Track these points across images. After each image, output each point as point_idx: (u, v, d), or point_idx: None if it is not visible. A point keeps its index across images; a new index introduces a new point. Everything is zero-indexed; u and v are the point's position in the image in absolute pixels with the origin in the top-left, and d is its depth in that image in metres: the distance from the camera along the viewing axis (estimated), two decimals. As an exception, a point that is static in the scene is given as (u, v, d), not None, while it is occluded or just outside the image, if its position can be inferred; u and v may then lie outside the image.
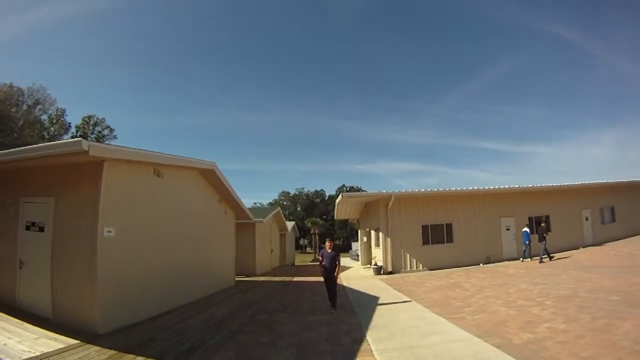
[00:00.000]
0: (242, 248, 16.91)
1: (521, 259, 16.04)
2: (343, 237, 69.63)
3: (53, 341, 5.23)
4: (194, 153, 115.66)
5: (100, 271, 6.03)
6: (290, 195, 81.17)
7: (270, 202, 76.27)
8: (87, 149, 5.15)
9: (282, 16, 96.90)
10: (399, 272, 15.65)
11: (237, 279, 15.04)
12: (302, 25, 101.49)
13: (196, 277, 10.25)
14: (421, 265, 16.16)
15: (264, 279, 17.66)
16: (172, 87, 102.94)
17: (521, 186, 18.61)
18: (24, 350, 4.72)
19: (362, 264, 21.64)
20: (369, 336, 5.80)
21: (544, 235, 15.09)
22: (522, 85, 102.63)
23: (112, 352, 5.01)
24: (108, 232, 6.24)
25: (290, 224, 33.51)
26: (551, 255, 15.02)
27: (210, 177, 11.44)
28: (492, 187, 17.99)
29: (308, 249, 69.67)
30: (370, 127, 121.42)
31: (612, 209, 21.16)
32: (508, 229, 17.93)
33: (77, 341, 5.32)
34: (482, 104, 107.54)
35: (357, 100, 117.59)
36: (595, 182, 20.97)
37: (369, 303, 8.91)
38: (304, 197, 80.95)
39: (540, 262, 14.54)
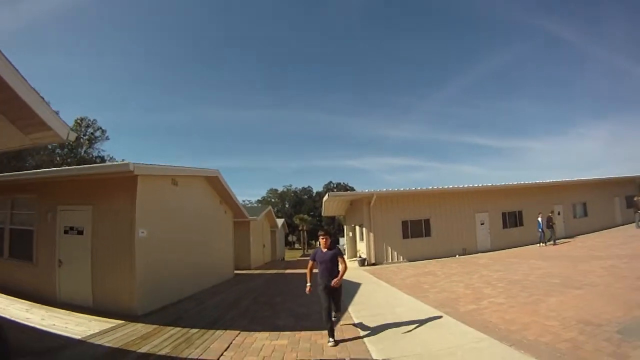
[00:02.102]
0: (239, 244, 18.32)
1: (540, 244, 18.04)
2: (330, 232, 71.05)
3: (103, 323, 6.51)
4: (180, 150, 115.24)
5: (137, 265, 7.47)
6: (279, 192, 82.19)
7: (258, 200, 77.44)
8: (132, 170, 6.61)
9: (272, 11, 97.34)
10: (381, 264, 17.21)
11: (235, 272, 16.43)
12: (292, 20, 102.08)
13: (204, 270, 11.70)
14: (401, 257, 17.72)
15: (258, 272, 19.14)
16: (158, 84, 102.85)
17: (494, 184, 20.21)
18: (83, 330, 5.97)
19: (348, 257, 23.17)
20: (350, 308, 7.45)
21: (551, 223, 17.54)
22: (513, 81, 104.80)
23: (154, 326, 6.46)
24: (142, 233, 7.65)
25: (280, 221, 34.92)
26: (547, 241, 17.70)
27: (214, 182, 12.93)
28: (466, 186, 19.57)
29: (296, 245, 71.01)
30: (359, 122, 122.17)
31: (584, 205, 22.65)
32: (482, 224, 19.54)
33: (122, 321, 6.69)
34: (474, 99, 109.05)
35: (346, 95, 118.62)
36: (567, 179, 22.61)
37: (353, 288, 10.40)
38: (292, 194, 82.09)
39: (545, 244, 17.28)
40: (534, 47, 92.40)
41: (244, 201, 68.76)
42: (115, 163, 7.43)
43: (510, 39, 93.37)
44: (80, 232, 7.96)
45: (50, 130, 4.68)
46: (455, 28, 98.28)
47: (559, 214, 21.60)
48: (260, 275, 17.01)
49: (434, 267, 14.04)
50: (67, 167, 7.71)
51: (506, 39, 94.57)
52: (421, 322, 5.92)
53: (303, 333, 5.58)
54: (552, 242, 17.44)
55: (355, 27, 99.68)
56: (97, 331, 5.98)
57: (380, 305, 7.60)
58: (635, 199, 21.53)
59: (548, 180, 22.06)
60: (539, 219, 18.25)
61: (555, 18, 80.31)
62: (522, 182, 21.21)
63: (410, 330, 5.50)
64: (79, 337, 5.57)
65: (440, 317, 6.21)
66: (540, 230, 18.04)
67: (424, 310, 6.81)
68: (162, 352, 4.97)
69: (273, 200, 78.42)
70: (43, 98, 4.62)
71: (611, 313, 5.36)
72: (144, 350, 5.06)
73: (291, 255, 44.45)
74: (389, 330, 5.52)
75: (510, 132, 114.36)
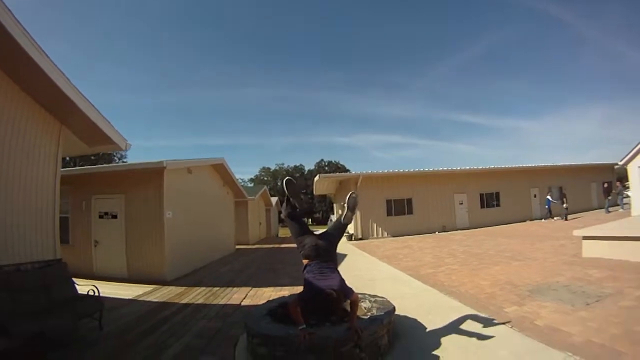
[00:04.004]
0: (238, 222, 20.09)
1: (543, 219, 20.38)
2: (322, 210, 73.13)
3: (142, 288, 8.22)
4: (173, 129, 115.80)
5: (166, 240, 9.25)
6: (271, 170, 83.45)
7: (251, 178, 78.91)
8: (165, 166, 8.35)
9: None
10: (367, 239, 19.22)
11: (236, 247, 18.33)
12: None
13: (213, 244, 13.60)
14: (386, 233, 19.74)
15: (256, 246, 21.06)
16: (151, 64, 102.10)
17: (472, 167, 22.13)
18: (130, 293, 7.63)
19: (338, 233, 25.14)
20: (336, 272, 9.38)
21: (564, 200, 19.58)
22: (509, 60, 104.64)
23: (184, 287, 8.30)
24: (168, 214, 9.40)
25: (273, 200, 36.67)
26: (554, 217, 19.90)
27: (219, 168, 14.72)
28: (446, 168, 21.54)
29: (289, 222, 72.79)
30: (352, 99, 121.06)
31: (561, 189, 23.71)
32: (461, 203, 21.55)
33: (157, 285, 8.49)
34: (468, 77, 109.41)
35: (340, 72, 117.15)
36: (544, 164, 24.56)
37: (340, 258, 12.01)
38: (284, 172, 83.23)
39: (562, 219, 19.05)
40: (529, 27, 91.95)
41: (236, 179, 69.60)
42: (152, 161, 8.94)
43: (506, 19, 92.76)
44: (115, 216, 9.65)
45: (113, 144, 6.34)
46: (450, 6, 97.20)
47: (535, 196, 23.44)
48: (259, 249, 18.98)
49: (413, 242, 15.88)
50: (109, 165, 9.44)
51: (502, 19, 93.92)
52: (388, 279, 7.94)
53: (299, 288, 7.38)
54: (563, 218, 19.28)
55: (348, 5, 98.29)
56: (141, 293, 7.74)
57: (360, 269, 9.54)
58: (605, 185, 23.50)
59: (525, 165, 23.88)
60: (548, 197, 20.42)
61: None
62: (500, 166, 23.10)
63: (379, 284, 7.42)
64: (130, 298, 7.28)
65: (403, 277, 8.17)
66: (547, 207, 20.24)
67: (394, 273, 8.79)
68: (198, 302, 6.84)
69: (266, 178, 79.62)
70: (107, 119, 6.26)
71: (532, 279, 6.77)
72: (184, 301, 6.91)
73: (284, 232, 46.16)
74: (363, 284, 7.31)
75: (504, 112, 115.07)
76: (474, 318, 4.81)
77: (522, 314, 4.88)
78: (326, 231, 4.52)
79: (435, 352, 3.87)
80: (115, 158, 39.91)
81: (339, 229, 4.51)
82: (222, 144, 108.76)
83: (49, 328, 4.14)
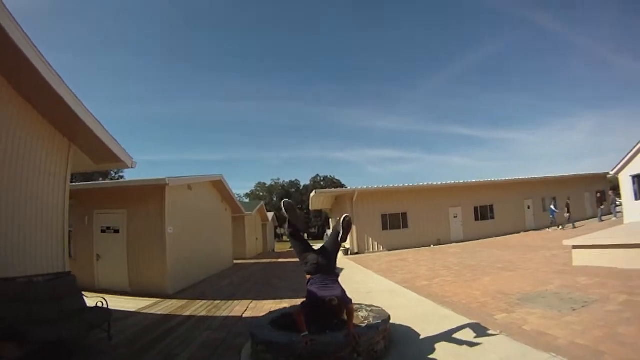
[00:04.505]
0: (236, 237, 20.29)
1: (553, 228, 20.80)
2: (318, 225, 73.21)
3: (145, 301, 8.40)
4: (167, 143, 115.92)
5: (168, 255, 9.47)
6: (267, 185, 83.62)
7: (247, 193, 78.97)
8: (168, 183, 8.64)
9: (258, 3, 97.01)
10: (363, 253, 19.38)
11: (234, 261, 18.49)
12: (277, 11, 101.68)
13: (212, 258, 13.82)
14: (382, 247, 19.89)
15: (254, 261, 21.26)
16: (147, 75, 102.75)
17: (466, 181, 22.52)
18: (133, 306, 7.80)
19: (334, 247, 25.30)
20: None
21: (567, 209, 20.15)
22: (500, 72, 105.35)
23: (185, 300, 8.49)
24: (170, 230, 9.64)
25: (270, 215, 36.91)
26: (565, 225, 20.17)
27: (218, 185, 15.06)
28: (440, 182, 21.93)
29: (285, 238, 72.70)
30: (346, 113, 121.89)
31: (554, 199, 23.62)
32: (456, 217, 21.79)
33: (159, 299, 8.66)
34: (460, 89, 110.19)
35: (333, 86, 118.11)
36: (537, 176, 24.87)
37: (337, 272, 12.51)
38: (280, 188, 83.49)
39: (562, 229, 19.69)
40: (520, 38, 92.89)
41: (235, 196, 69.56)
42: (154, 178, 9.16)
43: (498, 30, 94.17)
44: (117, 231, 9.86)
45: (120, 162, 6.63)
46: (442, 19, 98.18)
47: (528, 207, 23.70)
48: (257, 264, 19.15)
49: (408, 255, 16.08)
50: (112, 181, 9.66)
51: (493, 30, 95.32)
52: (384, 292, 8.17)
53: (299, 300, 7.60)
54: (567, 226, 19.90)
55: (341, 17, 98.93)
56: (144, 305, 7.92)
57: (357, 282, 9.79)
58: (598, 195, 23.94)
59: (519, 177, 24.18)
60: (552, 206, 20.98)
61: (543, 9, 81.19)
62: (494, 179, 23.33)
63: (376, 296, 7.65)
64: (134, 310, 7.45)
65: (399, 289, 8.42)
66: (552, 216, 20.84)
67: (389, 285, 9.03)
68: (201, 314, 7.04)
69: (261, 194, 79.69)
70: (115, 139, 6.56)
71: (523, 288, 6.97)
72: (186, 314, 7.11)
73: (281, 247, 46.27)
74: (361, 296, 7.54)
75: (497, 123, 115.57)
76: (466, 325, 5.07)
77: (511, 321, 5.14)
78: (325, 247, 4.85)
79: (428, 357, 4.12)
80: (112, 172, 40.06)
81: (336, 243, 4.85)
82: (217, 159, 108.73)
83: (63, 336, 4.35)
